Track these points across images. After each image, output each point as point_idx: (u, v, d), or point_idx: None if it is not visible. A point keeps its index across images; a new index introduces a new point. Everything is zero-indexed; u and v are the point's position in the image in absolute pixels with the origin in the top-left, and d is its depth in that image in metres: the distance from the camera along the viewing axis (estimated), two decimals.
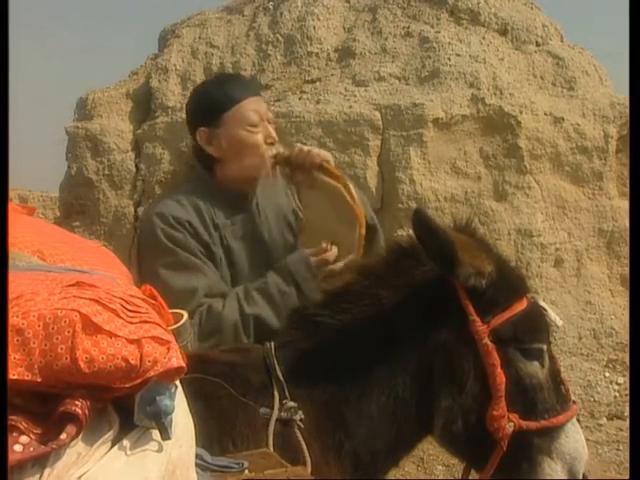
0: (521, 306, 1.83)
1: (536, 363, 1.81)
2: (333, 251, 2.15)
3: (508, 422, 1.75)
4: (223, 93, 2.21)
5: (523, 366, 1.80)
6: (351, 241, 2.16)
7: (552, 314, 1.91)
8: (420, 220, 1.76)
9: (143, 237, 2.26)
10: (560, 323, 1.92)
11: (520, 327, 1.80)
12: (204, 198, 2.19)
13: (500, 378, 1.74)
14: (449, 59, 5.53)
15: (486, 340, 1.75)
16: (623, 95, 5.79)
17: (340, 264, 2.11)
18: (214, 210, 2.18)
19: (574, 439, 1.82)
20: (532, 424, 1.78)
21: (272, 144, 2.22)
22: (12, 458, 0.91)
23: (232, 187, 2.21)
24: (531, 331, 1.83)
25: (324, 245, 2.16)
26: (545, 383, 1.82)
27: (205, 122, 2.21)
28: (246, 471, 1.37)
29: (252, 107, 2.21)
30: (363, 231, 2.15)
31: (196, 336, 1.94)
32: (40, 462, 0.93)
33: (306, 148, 2.25)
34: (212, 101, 2.22)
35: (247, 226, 2.22)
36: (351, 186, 2.19)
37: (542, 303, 1.93)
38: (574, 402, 1.89)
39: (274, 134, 2.23)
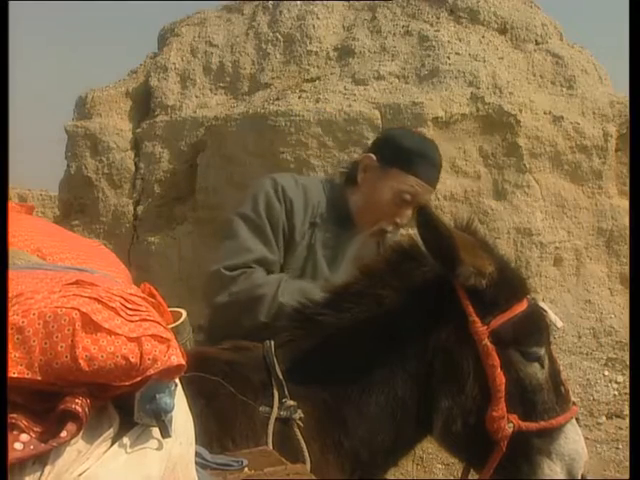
0: (521, 307, 1.82)
1: (536, 364, 1.81)
2: None
3: (507, 423, 1.75)
4: (420, 157, 2.17)
5: (523, 367, 1.80)
6: None
7: (552, 315, 1.90)
8: (424, 217, 1.76)
9: (252, 189, 2.27)
10: (560, 324, 1.92)
11: (520, 328, 1.80)
12: (323, 196, 2.21)
13: (500, 379, 1.74)
14: (448, 58, 5.52)
15: (486, 341, 1.75)
16: (623, 94, 5.79)
17: None
18: (323, 212, 2.19)
19: (573, 440, 1.82)
20: (532, 425, 1.78)
21: (396, 226, 2.21)
22: (12, 456, 0.91)
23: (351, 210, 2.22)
24: (531, 332, 1.83)
25: None
26: (545, 384, 1.82)
27: (383, 156, 2.19)
28: (245, 469, 1.37)
29: (420, 192, 2.18)
30: None
31: (228, 289, 2.06)
32: (40, 460, 0.93)
33: None
34: (407, 153, 2.18)
35: (337, 244, 2.22)
36: None
37: (542, 304, 1.93)
38: (574, 403, 1.89)
39: (404, 222, 2.21)
